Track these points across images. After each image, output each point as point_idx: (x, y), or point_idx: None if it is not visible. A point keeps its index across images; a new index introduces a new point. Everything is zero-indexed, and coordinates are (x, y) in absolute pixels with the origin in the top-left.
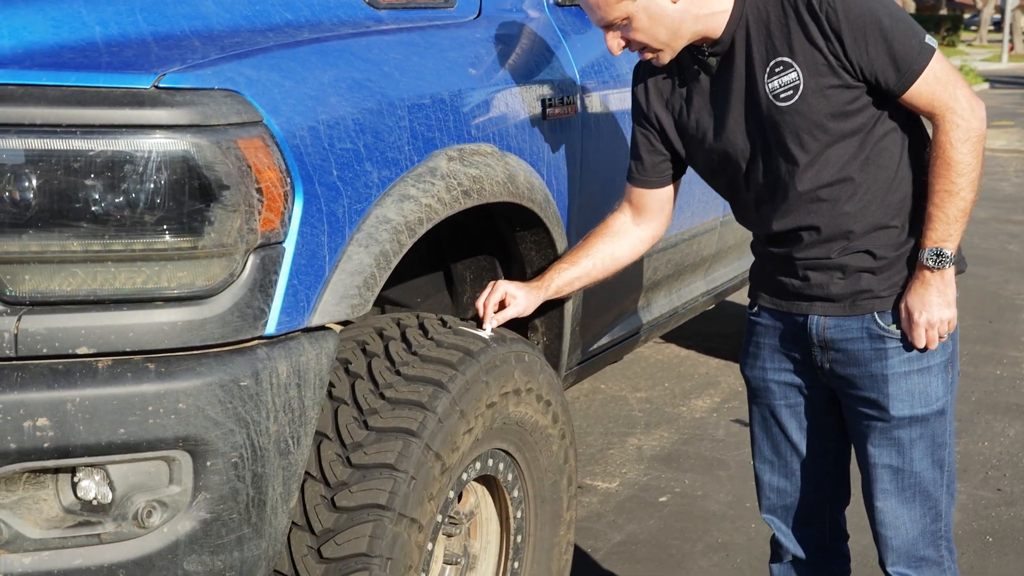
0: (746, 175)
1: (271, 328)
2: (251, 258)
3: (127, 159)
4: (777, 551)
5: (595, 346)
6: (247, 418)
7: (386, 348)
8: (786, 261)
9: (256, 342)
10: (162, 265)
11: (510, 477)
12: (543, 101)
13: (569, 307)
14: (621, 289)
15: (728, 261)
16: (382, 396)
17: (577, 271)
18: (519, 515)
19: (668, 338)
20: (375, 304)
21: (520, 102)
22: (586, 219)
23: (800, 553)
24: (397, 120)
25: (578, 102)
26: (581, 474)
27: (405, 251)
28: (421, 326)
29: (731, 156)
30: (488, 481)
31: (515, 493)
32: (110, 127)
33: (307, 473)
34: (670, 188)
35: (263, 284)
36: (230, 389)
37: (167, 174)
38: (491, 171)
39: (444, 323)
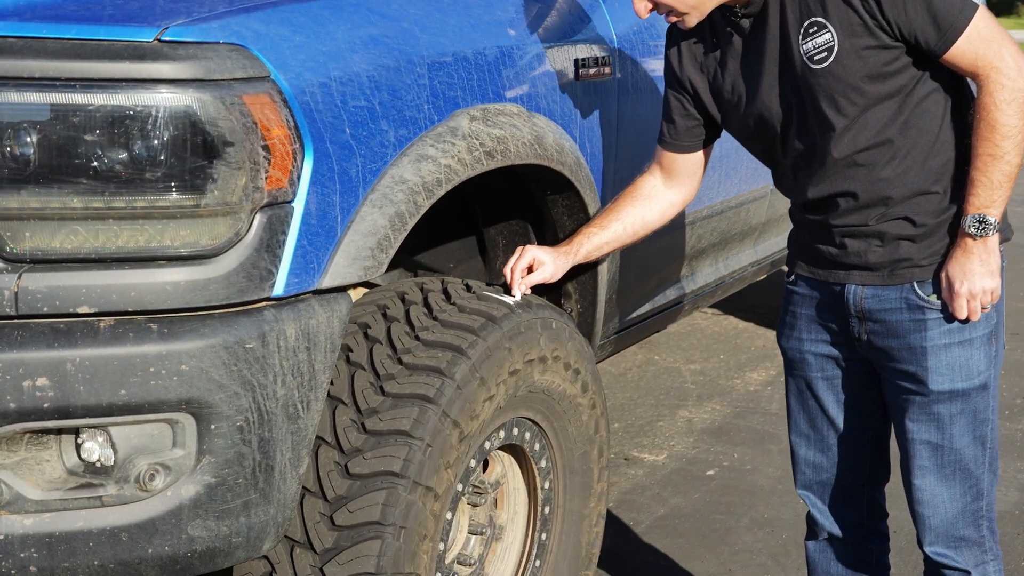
0: (782, 140)
1: (279, 289)
2: (257, 217)
3: (128, 114)
4: (813, 528)
5: (634, 315)
6: (253, 381)
7: (407, 313)
8: (823, 228)
9: (263, 304)
10: (165, 223)
11: (537, 447)
12: (576, 62)
13: (604, 274)
14: (662, 257)
15: (780, 230)
16: (400, 361)
17: (606, 235)
18: (547, 486)
19: (726, 309)
20: (409, 269)
21: (551, 62)
22: (622, 183)
23: (836, 531)
24: (416, 78)
25: (615, 64)
26: (628, 446)
27: (422, 212)
28: (444, 291)
29: (766, 121)
30: (515, 451)
31: (542, 463)
32: (111, 81)
33: (321, 439)
34: (702, 152)
35: (270, 244)
36: (235, 351)
37: (169, 130)
38: (517, 132)
39: (468, 288)
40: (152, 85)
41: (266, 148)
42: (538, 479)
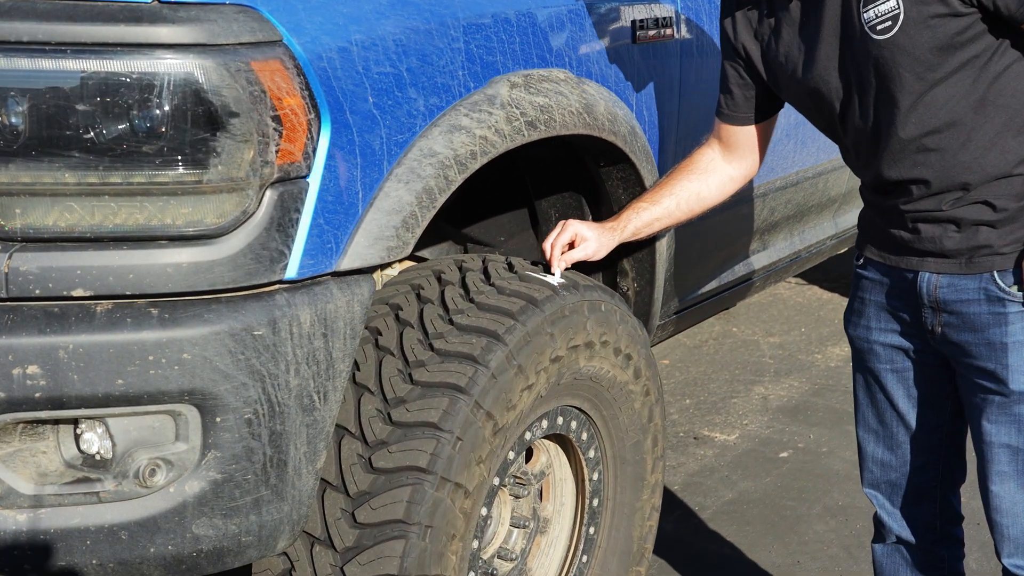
0: (842, 117)
1: (292, 272)
2: (268, 194)
3: (124, 82)
4: (880, 530)
5: (698, 293)
6: (262, 371)
7: (442, 294)
8: (893, 212)
9: (274, 287)
10: (165, 201)
11: (584, 436)
12: (633, 23)
13: (663, 250)
14: (729, 231)
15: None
16: (431, 347)
17: (657, 211)
18: (596, 477)
19: (809, 280)
20: (457, 242)
21: (605, 24)
22: (685, 155)
23: (906, 535)
24: (449, 41)
25: (677, 25)
26: (699, 424)
27: (454, 188)
28: (484, 270)
29: (823, 95)
30: (561, 440)
31: (591, 454)
32: (106, 46)
33: (344, 428)
34: (764, 125)
35: (282, 223)
36: (242, 339)
37: (169, 99)
38: (563, 100)
39: (511, 267)
40: (150, 50)
41: (277, 119)
42: (586, 470)
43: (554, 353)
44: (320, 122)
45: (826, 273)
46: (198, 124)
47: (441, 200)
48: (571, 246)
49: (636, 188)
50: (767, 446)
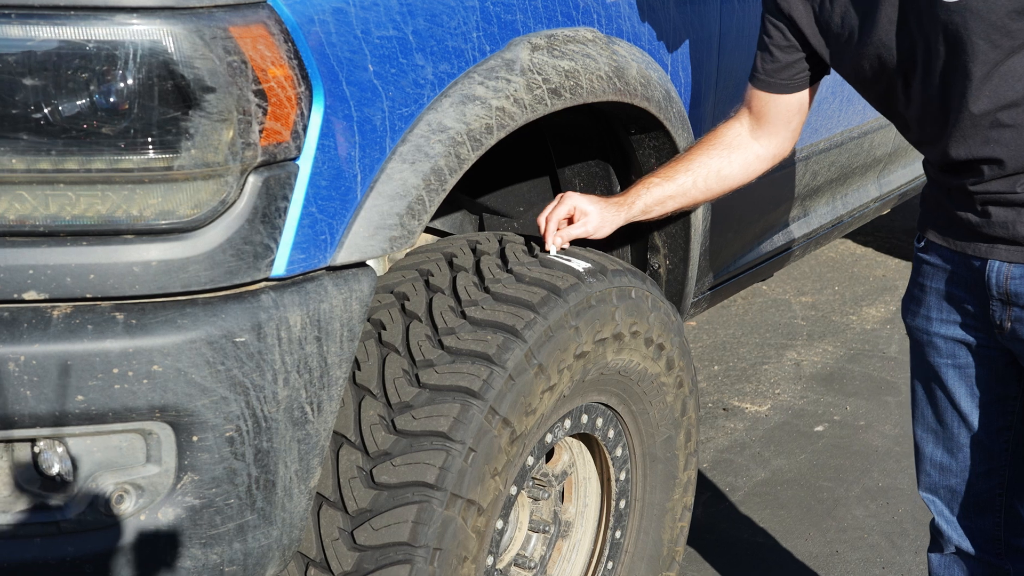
0: (904, 88)
1: (279, 268)
2: (250, 180)
3: (79, 52)
4: (938, 539)
5: (735, 266)
6: (246, 382)
7: (453, 281)
8: (961, 193)
9: (259, 286)
10: (131, 190)
11: (611, 434)
12: None
13: (697, 224)
14: (769, 199)
15: (907, 160)
16: (441, 344)
17: (671, 188)
18: (623, 477)
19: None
20: (472, 212)
21: None
22: (719, 119)
23: (966, 545)
24: None
25: None
26: (728, 393)
27: (467, 167)
28: (501, 253)
29: (884, 64)
30: (586, 437)
31: (618, 452)
32: (57, 9)
33: (343, 437)
34: (804, 95)
35: (267, 213)
36: (221, 346)
37: (131, 72)
38: (591, 63)
39: (531, 249)
40: (109, 15)
41: (260, 93)
42: (612, 470)
43: (579, 349)
44: (312, 95)
45: (861, 227)
46: (167, 101)
47: (452, 182)
48: (570, 221)
49: (670, 157)
50: (801, 419)
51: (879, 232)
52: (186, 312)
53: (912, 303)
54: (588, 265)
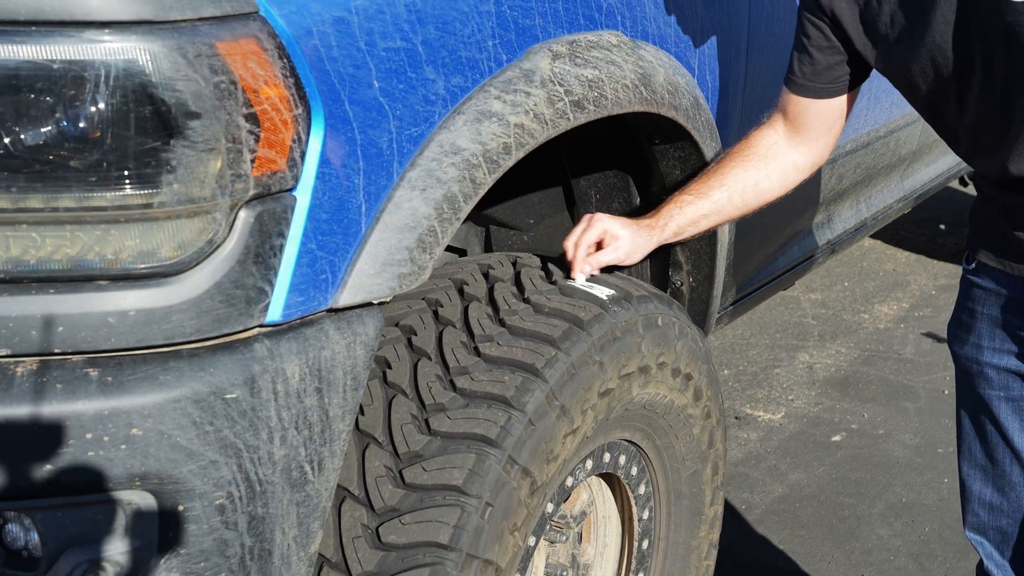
0: (958, 96)
1: (275, 314)
2: (241, 215)
3: (42, 74)
4: None
5: (758, 278)
6: (238, 443)
7: (465, 313)
8: (1020, 211)
9: (252, 333)
10: (104, 230)
11: (634, 471)
12: None
13: (723, 238)
14: (794, 208)
15: (931, 157)
16: (453, 386)
17: (705, 206)
18: (646, 516)
19: None
20: (478, 224)
21: None
22: (750, 128)
23: None
24: (476, 3)
25: None
26: (740, 400)
27: (483, 193)
28: (516, 279)
29: (938, 69)
30: (607, 474)
31: (641, 490)
32: (15, 24)
33: (346, 491)
34: (845, 99)
35: (261, 252)
36: (210, 405)
37: (103, 96)
38: (616, 71)
39: (549, 274)
40: (76, 30)
41: (252, 118)
42: (635, 509)
43: (604, 386)
44: (310, 118)
45: None
46: (145, 129)
47: (467, 209)
48: (599, 246)
49: (697, 169)
50: (817, 427)
51: (888, 225)
52: (169, 367)
53: (960, 329)
54: (612, 292)
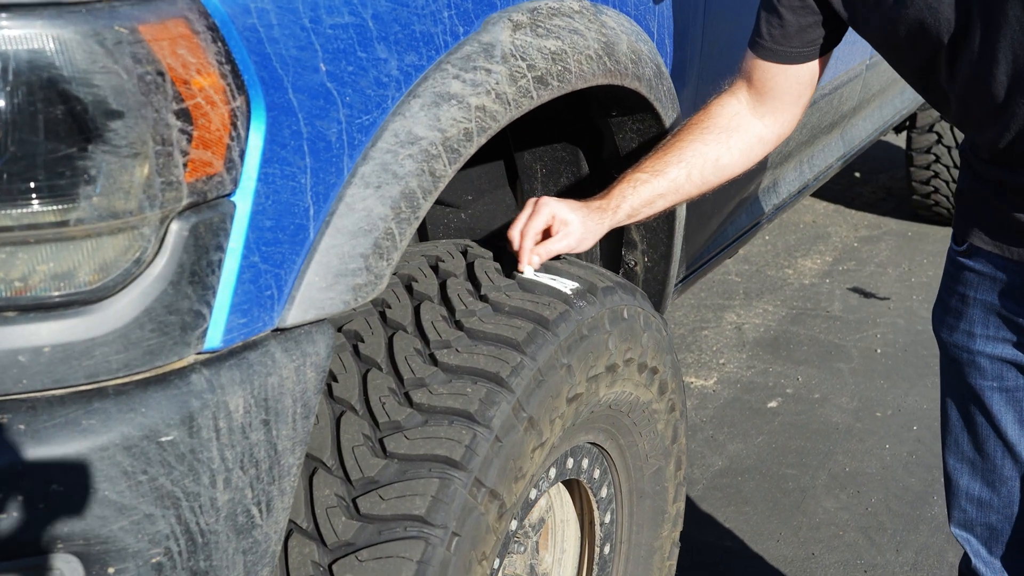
0: (949, 62)
1: (215, 339)
2: (173, 229)
3: None
4: None
5: (707, 252)
6: (176, 492)
7: (416, 314)
8: (1019, 191)
9: (188, 362)
10: (9, 253)
11: (597, 474)
12: None
13: (681, 213)
14: (745, 174)
15: (868, 112)
16: (409, 400)
17: (661, 184)
18: (608, 520)
19: None
20: None
21: None
22: (706, 96)
23: None
24: None
25: None
26: None
27: (442, 187)
28: (470, 273)
29: (927, 30)
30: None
31: (603, 493)
32: None
33: (293, 523)
34: (816, 65)
35: (197, 270)
36: (143, 451)
37: (3, 96)
38: (579, 41)
39: (505, 268)
40: None
41: (184, 114)
42: (596, 512)
43: (572, 391)
44: (250, 110)
45: None
46: (56, 133)
47: (426, 207)
48: (547, 234)
49: (656, 141)
50: (751, 393)
51: None
52: (93, 409)
53: (949, 315)
54: (575, 285)
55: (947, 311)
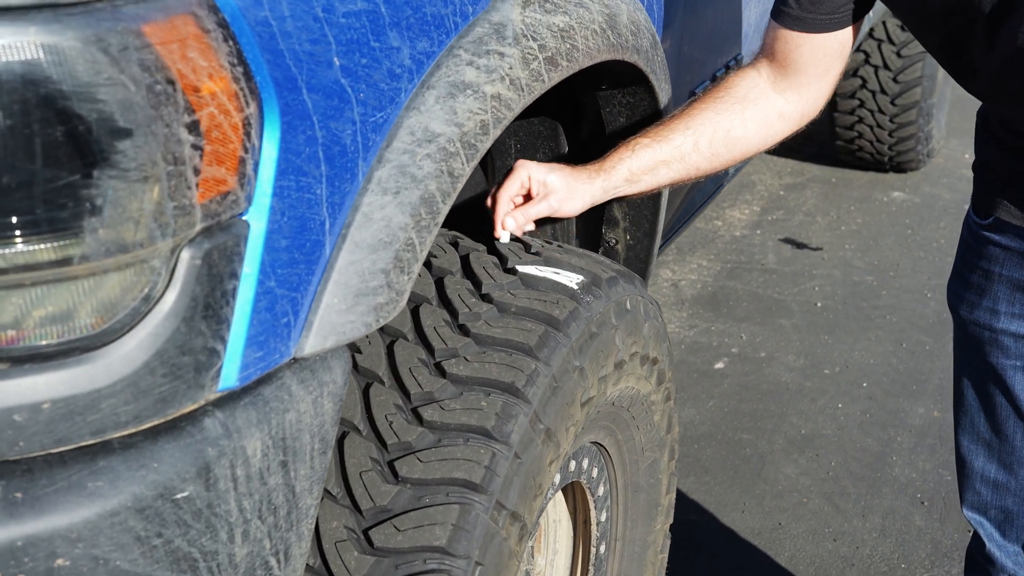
0: (989, 32)
1: (230, 378)
2: (184, 258)
3: None
4: (985, 566)
5: (679, 223)
6: (193, 553)
7: (415, 319)
8: None
9: (201, 405)
10: (2, 297)
11: (595, 473)
12: None
13: (664, 189)
14: None
15: None
16: (418, 417)
17: (664, 151)
18: (604, 518)
19: None
20: None
21: None
22: (687, 64)
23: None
24: None
25: None
26: None
27: (460, 188)
28: (466, 269)
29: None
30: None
31: (600, 491)
32: None
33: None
34: (847, 33)
35: (211, 302)
36: (157, 512)
37: None
38: (585, 15)
39: (503, 262)
40: None
41: (194, 127)
42: (593, 511)
43: (585, 395)
44: (263, 116)
45: None
46: (55, 159)
47: (445, 212)
48: (528, 198)
49: (648, 117)
50: (697, 354)
51: None
52: (99, 468)
53: (969, 291)
54: (580, 277)
55: (967, 287)
